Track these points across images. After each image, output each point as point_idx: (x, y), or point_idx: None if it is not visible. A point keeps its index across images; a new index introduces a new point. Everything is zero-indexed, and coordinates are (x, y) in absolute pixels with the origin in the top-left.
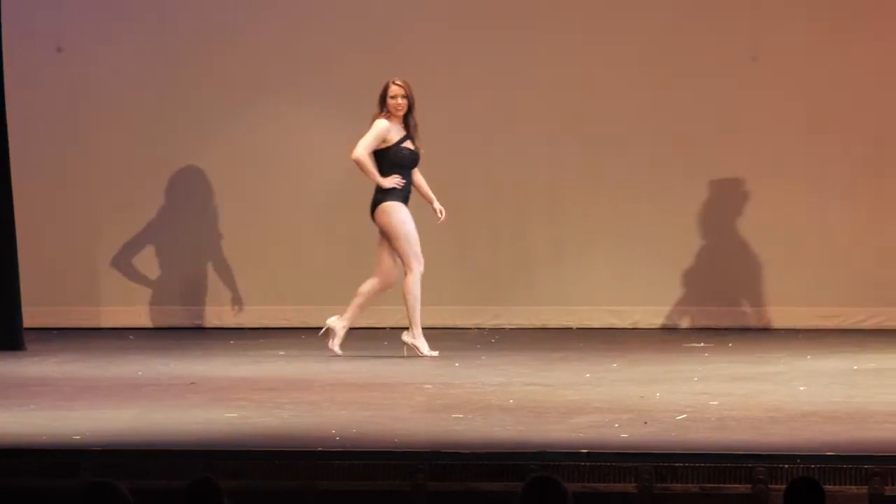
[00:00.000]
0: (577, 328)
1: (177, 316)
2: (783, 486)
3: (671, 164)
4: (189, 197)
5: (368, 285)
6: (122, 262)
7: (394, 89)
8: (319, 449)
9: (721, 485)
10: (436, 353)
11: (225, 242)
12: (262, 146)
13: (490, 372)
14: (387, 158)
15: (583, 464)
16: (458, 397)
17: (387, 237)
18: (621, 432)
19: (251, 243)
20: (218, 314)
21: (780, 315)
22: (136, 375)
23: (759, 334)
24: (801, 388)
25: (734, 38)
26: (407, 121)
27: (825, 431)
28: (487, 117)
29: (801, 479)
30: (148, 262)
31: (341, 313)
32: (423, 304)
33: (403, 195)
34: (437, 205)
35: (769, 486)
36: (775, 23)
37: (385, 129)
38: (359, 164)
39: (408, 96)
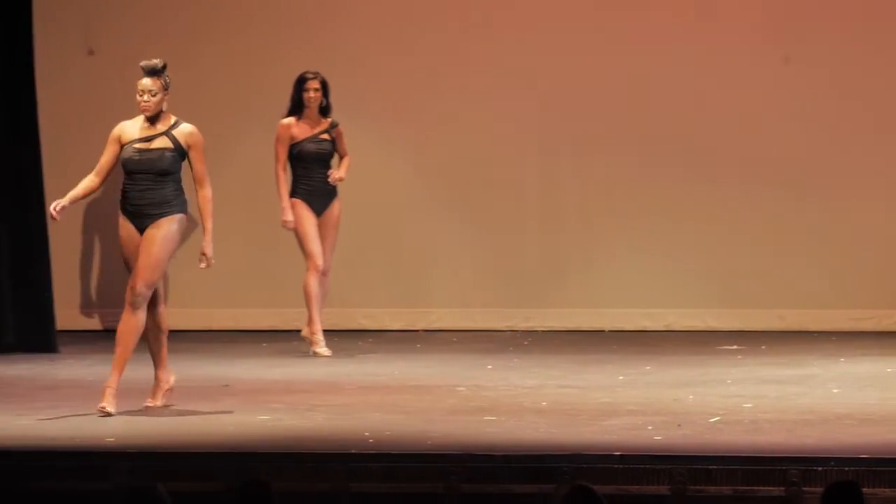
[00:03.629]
0: (610, 331)
1: (210, 318)
2: (817, 489)
3: (704, 166)
4: (220, 200)
5: None
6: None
7: None
8: (353, 451)
9: (754, 487)
10: None
11: (255, 244)
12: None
13: (523, 374)
14: None
15: (616, 466)
16: (490, 400)
17: None
18: (654, 435)
19: (281, 245)
20: (252, 317)
21: (813, 317)
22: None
23: (793, 337)
24: (835, 391)
25: (765, 40)
26: None
27: (859, 434)
28: (516, 120)
29: (840, 482)
30: (176, 263)
31: None
32: (455, 306)
33: None
34: None
35: (802, 488)
36: (807, 23)
37: None
38: None
39: None
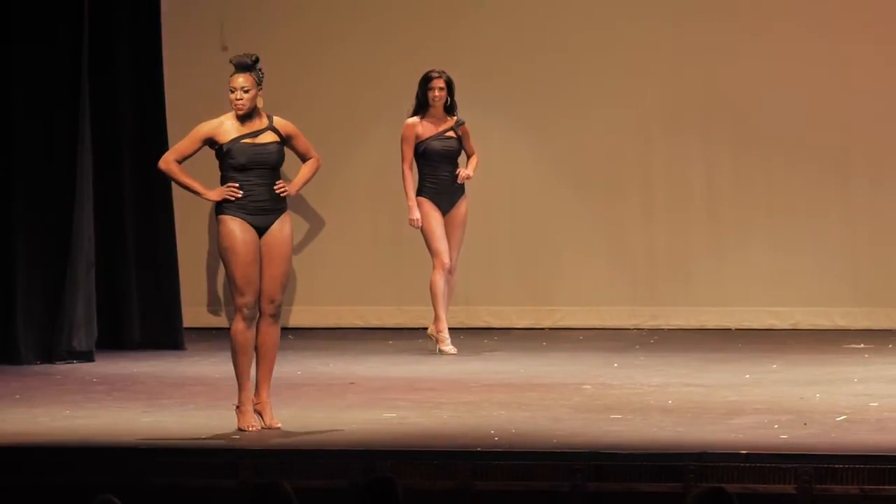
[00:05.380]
0: (736, 329)
1: (336, 316)
2: None
3: (830, 163)
4: (347, 199)
5: None
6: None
7: None
8: (478, 449)
9: (881, 486)
10: None
11: (382, 243)
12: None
13: (649, 372)
14: None
15: (742, 465)
16: (616, 398)
17: None
18: (781, 433)
19: (407, 244)
20: (378, 314)
21: None
22: (296, 375)
23: None
24: None
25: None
26: None
27: None
28: (644, 118)
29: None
30: (303, 262)
31: None
32: (581, 304)
33: None
34: None
35: None
36: None
37: None
38: None
39: None
